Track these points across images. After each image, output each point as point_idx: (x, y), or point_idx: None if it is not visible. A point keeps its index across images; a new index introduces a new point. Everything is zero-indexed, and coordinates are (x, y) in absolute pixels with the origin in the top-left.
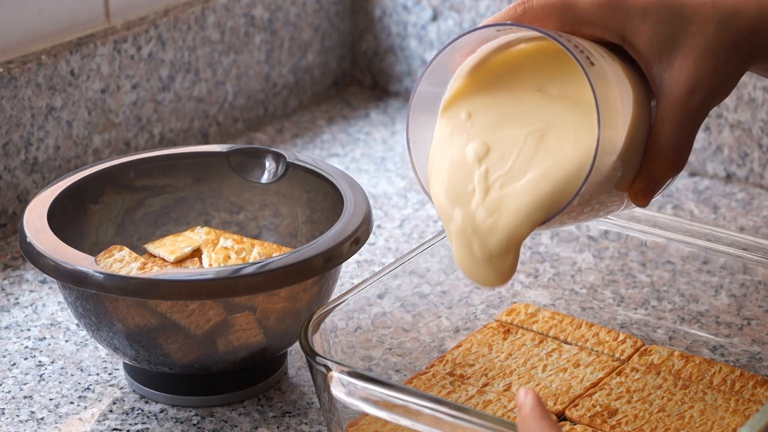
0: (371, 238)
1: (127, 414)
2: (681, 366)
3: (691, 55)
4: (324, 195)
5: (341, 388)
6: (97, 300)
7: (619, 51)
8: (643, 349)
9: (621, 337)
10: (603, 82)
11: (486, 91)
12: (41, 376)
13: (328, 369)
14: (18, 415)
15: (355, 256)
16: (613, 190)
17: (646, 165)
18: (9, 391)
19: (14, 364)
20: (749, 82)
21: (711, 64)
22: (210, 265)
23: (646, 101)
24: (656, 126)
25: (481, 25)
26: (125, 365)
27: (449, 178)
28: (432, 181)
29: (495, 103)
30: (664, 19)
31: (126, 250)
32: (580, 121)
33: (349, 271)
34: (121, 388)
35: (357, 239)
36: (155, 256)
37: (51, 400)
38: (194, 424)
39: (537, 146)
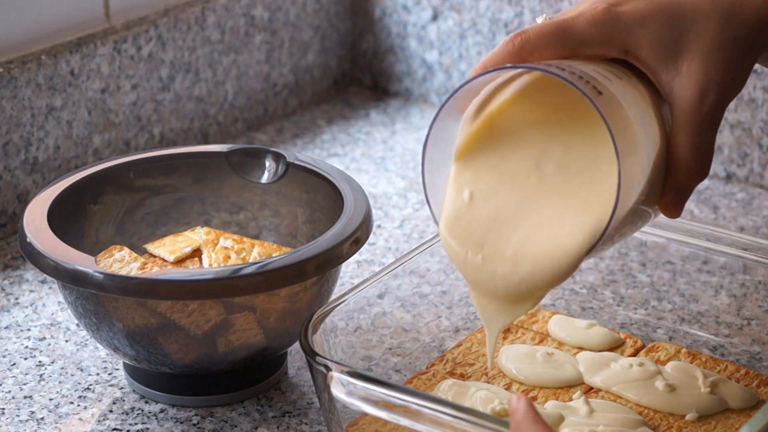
0: (371, 238)
1: (127, 414)
2: (687, 363)
3: (697, 57)
4: (324, 195)
5: (341, 388)
6: (97, 300)
7: (629, 64)
8: (650, 345)
9: (621, 337)
10: (612, 110)
11: (487, 158)
12: (41, 376)
13: (328, 369)
14: (18, 415)
15: (355, 256)
16: (641, 210)
17: (671, 177)
18: (9, 391)
19: (14, 364)
20: (749, 82)
21: (719, 62)
22: (210, 265)
23: (665, 113)
24: (672, 136)
25: (479, 71)
26: (125, 365)
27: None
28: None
29: (493, 188)
30: (664, 24)
31: (126, 250)
32: (576, 213)
33: (349, 271)
34: (121, 388)
35: (357, 239)
36: (155, 256)
37: (51, 400)
38: (194, 424)
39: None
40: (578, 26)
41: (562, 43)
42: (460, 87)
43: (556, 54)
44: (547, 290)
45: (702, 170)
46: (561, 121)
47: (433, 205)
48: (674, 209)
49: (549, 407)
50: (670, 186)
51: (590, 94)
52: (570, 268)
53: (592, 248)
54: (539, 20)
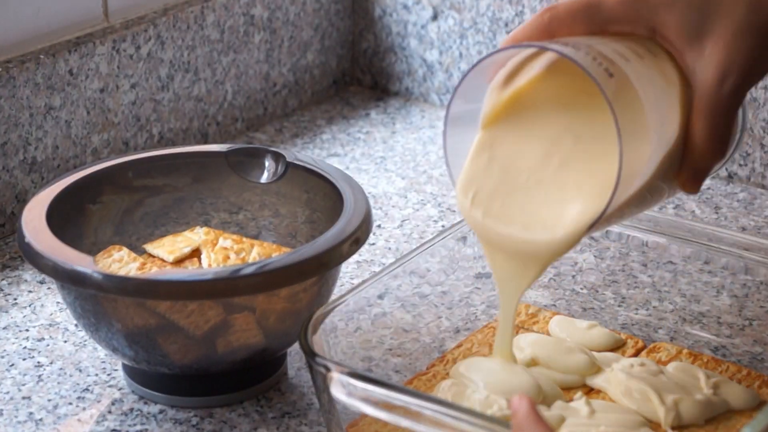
0: (371, 238)
1: (126, 415)
2: (689, 364)
3: (721, 40)
4: (324, 195)
5: (341, 388)
6: (95, 300)
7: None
8: (651, 346)
9: (622, 338)
10: (622, 92)
11: (509, 132)
12: (40, 376)
13: (328, 370)
14: (16, 416)
15: (355, 256)
16: (656, 187)
17: (688, 155)
18: (7, 392)
19: (13, 364)
20: None
21: (742, 47)
22: (209, 265)
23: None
24: (692, 116)
25: (509, 43)
26: (124, 366)
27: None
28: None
29: (510, 159)
30: (691, 6)
31: (125, 251)
32: (582, 191)
33: (349, 271)
34: (120, 389)
35: (357, 239)
36: (154, 257)
37: (50, 401)
38: (193, 425)
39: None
40: (607, 3)
41: (590, 19)
42: (487, 56)
43: (584, 30)
44: (549, 260)
45: (718, 152)
46: (582, 104)
47: (453, 168)
48: (691, 187)
49: (553, 409)
50: (687, 165)
51: (599, 77)
52: (569, 243)
53: (591, 227)
54: None
